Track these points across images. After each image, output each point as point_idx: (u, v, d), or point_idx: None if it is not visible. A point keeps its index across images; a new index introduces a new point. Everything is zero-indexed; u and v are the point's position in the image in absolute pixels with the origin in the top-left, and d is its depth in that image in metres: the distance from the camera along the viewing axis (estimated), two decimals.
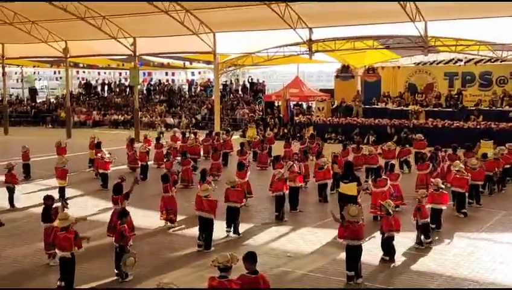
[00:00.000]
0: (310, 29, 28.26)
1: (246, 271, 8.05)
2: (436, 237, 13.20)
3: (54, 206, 12.20)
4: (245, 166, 17.24)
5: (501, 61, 29.20)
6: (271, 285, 8.21)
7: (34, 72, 55.55)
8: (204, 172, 15.61)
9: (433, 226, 13.40)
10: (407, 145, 23.68)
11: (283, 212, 15.37)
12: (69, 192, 18.38)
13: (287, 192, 15.62)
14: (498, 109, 29.79)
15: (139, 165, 22.50)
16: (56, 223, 10.68)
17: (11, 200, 17.22)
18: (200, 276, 10.55)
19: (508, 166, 19.41)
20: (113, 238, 11.35)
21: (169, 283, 7.61)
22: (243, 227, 14.02)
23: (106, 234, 13.26)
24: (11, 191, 17.29)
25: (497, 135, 25.94)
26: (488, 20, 24.31)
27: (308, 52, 29.12)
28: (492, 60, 30.12)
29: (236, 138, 29.46)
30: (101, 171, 20.08)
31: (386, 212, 11.87)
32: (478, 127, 28.07)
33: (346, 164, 15.83)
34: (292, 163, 16.83)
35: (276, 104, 38.23)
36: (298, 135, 31.90)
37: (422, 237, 12.77)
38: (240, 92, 44.88)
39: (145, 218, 14.82)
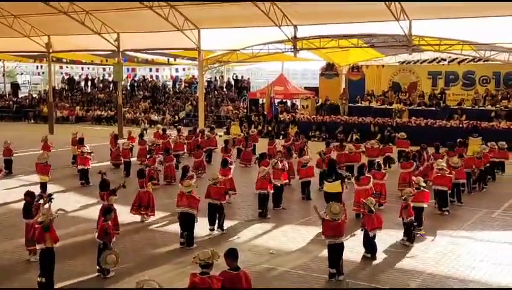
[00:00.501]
0: (295, 26, 28.32)
1: (227, 268, 8.04)
2: (419, 234, 13.26)
3: (36, 202, 12.07)
4: (229, 163, 17.20)
5: (484, 61, 29.54)
6: (253, 281, 8.21)
7: (16, 67, 54.91)
8: (186, 169, 15.56)
9: (415, 224, 13.46)
10: (390, 144, 23.81)
11: (266, 210, 15.38)
12: (51, 188, 18.16)
13: (271, 191, 15.59)
14: (481, 108, 30.08)
15: (122, 161, 22.36)
16: (39, 218, 10.55)
17: None
18: (182, 273, 10.53)
19: (488, 165, 19.62)
20: (96, 234, 11.27)
21: (150, 280, 7.56)
22: (226, 224, 14.00)
23: (94, 230, 13.16)
24: None
25: (480, 134, 26.24)
26: (472, 20, 24.56)
27: (292, 50, 29.18)
28: (475, 60, 30.49)
29: (220, 135, 29.42)
30: (80, 167, 19.87)
31: (368, 210, 11.92)
32: (461, 126, 28.34)
33: (330, 161, 15.85)
34: (277, 160, 16.84)
35: (260, 102, 38.24)
36: (282, 132, 31.93)
37: (404, 236, 12.85)
38: (225, 89, 44.80)
39: (128, 215, 14.73)
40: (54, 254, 10.21)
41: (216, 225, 13.78)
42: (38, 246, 10.28)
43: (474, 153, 19.67)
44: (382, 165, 16.82)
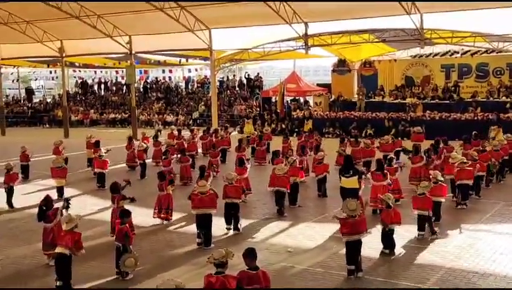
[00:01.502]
0: (306, 24, 28.26)
1: (246, 267, 8.05)
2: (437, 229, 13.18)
3: (54, 206, 12.15)
4: (245, 162, 17.19)
5: (497, 52, 29.27)
6: (271, 280, 8.20)
7: (30, 72, 55.32)
8: (203, 169, 15.60)
9: (433, 218, 13.39)
10: (404, 138, 23.69)
11: (284, 207, 15.36)
12: (67, 191, 18.36)
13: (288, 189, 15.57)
14: (495, 99, 29.82)
15: (138, 163, 22.48)
16: (63, 227, 10.60)
17: (9, 201, 17.17)
18: (200, 273, 10.50)
19: (507, 157, 19.45)
20: (114, 237, 11.32)
21: (170, 280, 7.57)
22: (243, 223, 14.02)
23: (109, 234, 13.25)
24: (10, 192, 17.24)
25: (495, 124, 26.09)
26: (484, 11, 24.32)
27: (304, 47, 29.11)
28: (488, 52, 30.21)
29: (234, 134, 29.46)
30: (98, 170, 19.97)
31: (386, 206, 11.87)
32: (476, 118, 28.11)
33: (346, 157, 15.82)
34: (295, 159, 16.85)
35: (273, 100, 38.22)
36: (296, 129, 31.88)
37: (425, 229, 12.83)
38: (237, 88, 44.82)
39: (144, 216, 14.79)
40: (70, 258, 10.27)
41: (232, 226, 13.78)
42: (61, 250, 10.26)
43: (497, 140, 19.55)
44: (394, 159, 16.67)
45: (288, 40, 29.47)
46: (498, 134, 24.00)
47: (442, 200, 13.82)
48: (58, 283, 10.25)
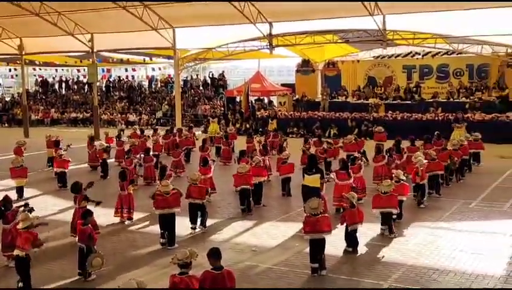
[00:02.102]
0: (270, 23, 28.31)
1: (210, 267, 8.02)
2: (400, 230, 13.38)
3: (13, 207, 11.91)
4: (209, 161, 17.12)
5: (457, 54, 29.92)
6: (236, 280, 8.19)
7: None
8: (164, 168, 15.48)
9: (394, 216, 13.58)
10: (367, 138, 23.98)
11: (250, 204, 15.42)
12: (27, 191, 18.03)
13: (252, 187, 15.61)
14: (455, 100, 30.45)
15: (99, 163, 22.20)
16: (19, 225, 10.41)
17: None
18: (164, 273, 10.44)
19: (466, 157, 19.91)
20: (76, 238, 11.14)
21: (132, 279, 7.50)
22: (207, 223, 13.95)
23: (69, 234, 13.05)
24: None
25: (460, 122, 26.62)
26: (444, 13, 24.76)
27: (268, 47, 29.17)
28: (448, 53, 30.86)
29: (198, 133, 29.32)
30: (59, 170, 19.64)
31: (350, 205, 11.98)
32: (437, 118, 28.64)
33: (310, 156, 15.90)
34: (260, 159, 16.89)
35: (237, 100, 38.21)
36: (260, 129, 31.94)
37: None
38: (201, 88, 44.66)
39: (106, 217, 14.60)
40: (27, 259, 10.11)
41: (198, 223, 13.72)
42: (18, 253, 10.14)
43: (457, 140, 19.97)
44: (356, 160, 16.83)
45: (253, 39, 29.49)
46: (461, 132, 24.55)
47: (404, 198, 14.03)
48: (19, 284, 10.07)
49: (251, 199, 15.67)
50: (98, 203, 13.18)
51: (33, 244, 10.12)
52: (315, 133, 26.41)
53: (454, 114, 27.87)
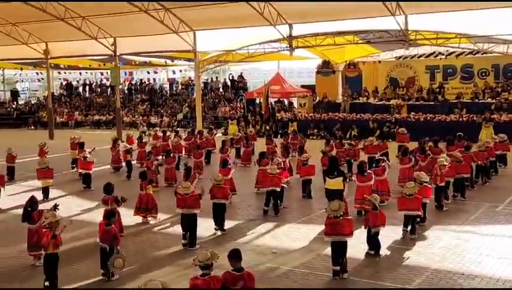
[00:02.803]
0: (290, 25, 28.24)
1: (231, 269, 8.00)
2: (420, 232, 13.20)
3: (39, 208, 12.05)
4: (228, 163, 17.12)
5: (482, 54, 29.49)
6: (256, 281, 8.16)
7: (15, 74, 55.06)
8: (189, 170, 15.55)
9: (418, 219, 13.42)
10: (389, 140, 23.81)
11: (277, 206, 15.38)
12: (52, 193, 18.25)
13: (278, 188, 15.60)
14: (480, 101, 30.00)
15: (122, 165, 22.43)
16: (44, 221, 10.56)
17: None
18: (185, 274, 10.47)
19: (493, 158, 19.55)
20: (98, 238, 11.21)
21: (154, 280, 7.51)
22: (228, 224, 13.96)
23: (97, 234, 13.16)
24: None
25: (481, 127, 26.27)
26: (469, 12, 24.45)
27: (288, 49, 29.09)
28: (473, 53, 30.39)
29: (218, 135, 29.40)
30: (83, 171, 19.88)
31: (372, 207, 11.87)
32: (461, 120, 28.26)
33: (331, 158, 15.81)
34: (281, 160, 16.86)
35: (257, 101, 38.20)
36: (280, 131, 31.89)
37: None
38: (221, 90, 44.77)
39: (130, 217, 14.69)
40: (57, 259, 10.21)
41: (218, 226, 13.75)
42: (44, 252, 10.27)
43: (483, 141, 19.69)
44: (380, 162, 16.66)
45: (273, 41, 29.44)
46: (489, 131, 24.25)
47: (427, 201, 13.84)
48: (46, 283, 10.17)
49: (277, 200, 15.60)
50: (123, 200, 13.28)
51: (53, 243, 10.16)
52: (336, 135, 26.27)
53: (479, 115, 27.50)
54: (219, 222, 13.75)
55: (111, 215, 11.13)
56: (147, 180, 14.90)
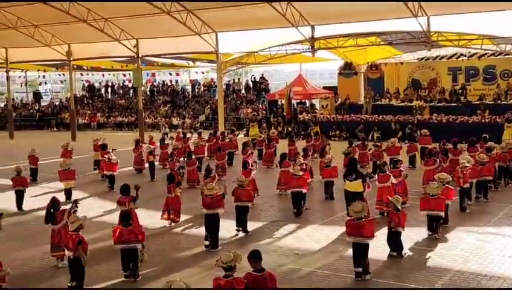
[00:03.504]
0: (312, 26, 28.27)
1: (252, 269, 8.06)
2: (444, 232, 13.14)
3: (61, 208, 12.21)
4: (248, 164, 17.17)
5: (504, 55, 29.21)
6: (278, 282, 8.20)
7: (38, 76, 55.79)
8: (209, 170, 15.62)
9: (441, 221, 13.37)
10: (413, 142, 23.67)
11: (301, 208, 15.42)
12: (75, 194, 18.42)
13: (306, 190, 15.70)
14: (503, 102, 29.73)
15: (145, 166, 22.63)
16: (70, 227, 10.68)
17: (19, 203, 17.26)
18: (207, 275, 10.56)
19: None
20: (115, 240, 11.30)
21: (177, 281, 7.59)
22: (250, 225, 14.03)
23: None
24: (20, 194, 17.35)
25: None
26: (491, 14, 24.27)
27: (310, 50, 29.11)
28: (495, 54, 30.13)
29: (240, 137, 29.50)
30: (108, 173, 20.08)
31: (394, 208, 11.85)
32: (483, 121, 28.01)
33: (350, 160, 15.78)
34: (304, 162, 16.91)
35: (279, 103, 38.24)
36: (302, 133, 31.89)
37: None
38: (243, 92, 44.90)
39: (152, 218, 14.84)
40: (81, 260, 10.31)
41: (241, 228, 13.82)
42: (67, 253, 10.39)
43: (506, 142, 19.52)
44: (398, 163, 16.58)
45: (295, 42, 29.51)
46: (510, 132, 24.08)
47: (449, 202, 13.77)
48: (70, 283, 10.31)
49: (302, 201, 15.65)
50: (137, 188, 13.46)
51: (81, 248, 10.29)
52: (358, 136, 26.19)
53: (502, 116, 27.24)
54: (242, 224, 13.82)
55: (128, 217, 11.25)
56: (175, 182, 14.92)
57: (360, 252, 10.59)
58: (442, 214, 12.95)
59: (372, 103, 33.23)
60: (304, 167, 16.86)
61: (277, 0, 26.18)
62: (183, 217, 15.12)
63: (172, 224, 14.77)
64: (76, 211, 11.83)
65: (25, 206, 17.32)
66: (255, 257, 8.11)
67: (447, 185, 13.66)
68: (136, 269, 10.90)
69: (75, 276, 10.27)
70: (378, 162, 20.23)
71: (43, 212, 12.50)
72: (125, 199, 13.25)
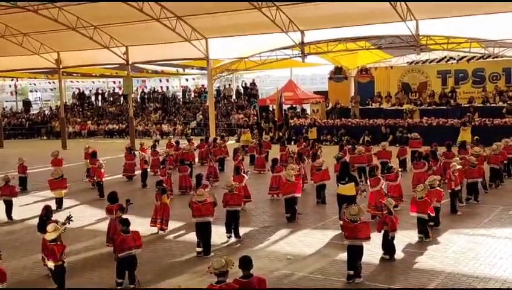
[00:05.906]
0: (302, 32, 28.35)
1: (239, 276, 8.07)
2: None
3: (53, 218, 12.12)
4: (241, 170, 17.16)
5: (493, 58, 29.39)
6: (268, 286, 8.18)
7: (30, 84, 55.62)
8: (200, 177, 15.60)
9: (432, 223, 13.42)
10: (403, 145, 23.74)
11: (295, 213, 15.40)
12: (66, 202, 18.37)
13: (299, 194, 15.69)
14: (492, 105, 29.93)
15: (135, 173, 22.57)
16: (46, 237, 10.56)
17: (8, 212, 17.13)
18: (200, 282, 10.55)
19: (506, 161, 19.50)
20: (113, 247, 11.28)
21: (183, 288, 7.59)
22: (242, 231, 14.01)
23: (105, 243, 13.24)
24: (9, 204, 17.22)
25: (493, 130, 26.14)
26: (479, 17, 24.47)
27: (300, 55, 29.19)
28: (484, 57, 30.31)
29: (231, 143, 29.48)
30: (97, 180, 20.05)
31: (387, 211, 11.88)
32: (473, 124, 28.15)
33: (343, 164, 15.80)
34: (299, 167, 16.89)
35: (270, 108, 38.30)
36: (294, 138, 31.92)
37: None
38: (234, 98, 44.93)
39: (143, 226, 14.77)
40: (62, 269, 10.29)
41: (233, 233, 13.78)
42: (51, 264, 10.33)
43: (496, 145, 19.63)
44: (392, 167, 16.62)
45: (285, 48, 29.57)
46: (463, 136, 24.42)
47: (438, 205, 13.82)
48: None
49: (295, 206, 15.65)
50: (129, 203, 13.30)
51: (60, 257, 10.22)
52: (342, 138, 26.16)
53: (490, 119, 27.40)
54: (234, 229, 13.78)
55: (126, 223, 11.20)
56: (159, 190, 14.86)
57: (355, 254, 10.62)
58: (426, 216, 12.95)
59: (361, 107, 33.35)
60: (298, 172, 16.84)
61: (266, 1, 26.01)
62: (175, 224, 15.08)
63: (160, 232, 14.66)
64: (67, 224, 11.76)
65: (15, 215, 17.19)
66: (242, 264, 8.10)
67: (437, 188, 13.71)
68: (134, 275, 10.83)
69: (57, 284, 10.23)
70: (366, 166, 20.34)
71: (34, 221, 12.45)
72: (113, 207, 13.17)
